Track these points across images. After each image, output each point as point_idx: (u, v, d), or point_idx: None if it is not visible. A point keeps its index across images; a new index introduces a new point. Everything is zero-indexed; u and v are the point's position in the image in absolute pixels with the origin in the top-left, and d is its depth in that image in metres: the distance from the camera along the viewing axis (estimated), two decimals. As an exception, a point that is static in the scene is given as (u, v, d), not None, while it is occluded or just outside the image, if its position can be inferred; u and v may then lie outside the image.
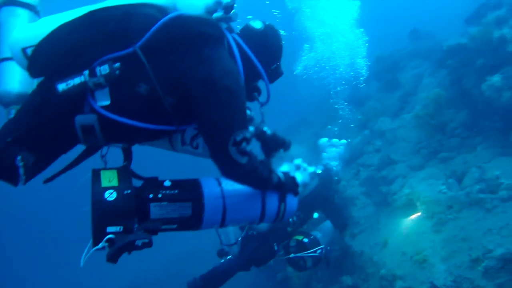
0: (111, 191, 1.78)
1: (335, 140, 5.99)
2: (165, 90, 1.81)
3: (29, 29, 1.95)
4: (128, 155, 2.07)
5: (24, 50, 1.91)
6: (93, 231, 1.72)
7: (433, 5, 20.10)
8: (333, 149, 5.63)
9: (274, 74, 2.27)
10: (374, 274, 5.27)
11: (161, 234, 1.91)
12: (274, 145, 2.36)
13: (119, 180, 1.84)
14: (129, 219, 1.77)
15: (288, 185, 2.21)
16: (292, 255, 5.14)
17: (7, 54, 2.07)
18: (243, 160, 1.88)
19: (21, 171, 1.77)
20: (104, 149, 2.07)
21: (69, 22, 1.86)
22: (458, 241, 4.55)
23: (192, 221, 1.96)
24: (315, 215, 5.93)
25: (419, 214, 5.43)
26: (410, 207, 5.78)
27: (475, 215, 4.72)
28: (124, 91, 1.82)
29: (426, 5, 20.98)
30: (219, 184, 2.08)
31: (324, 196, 5.74)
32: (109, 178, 1.84)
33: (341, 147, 5.81)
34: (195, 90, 1.81)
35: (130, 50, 1.80)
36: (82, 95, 1.79)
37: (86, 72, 1.78)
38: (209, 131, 1.86)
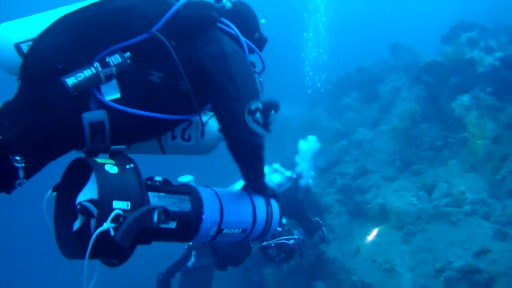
0: (110, 166, 1.56)
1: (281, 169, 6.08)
2: (181, 74, 1.76)
3: (21, 23, 1.74)
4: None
5: (18, 45, 1.68)
6: (98, 209, 1.45)
7: (415, 20, 20.66)
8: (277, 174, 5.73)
9: (259, 43, 2.32)
10: (346, 280, 5.49)
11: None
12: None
13: (114, 159, 1.63)
14: (136, 195, 1.52)
15: (269, 189, 2.22)
16: (265, 243, 5.26)
17: None
18: (258, 129, 1.86)
19: (21, 173, 1.60)
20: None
21: (73, 13, 1.73)
22: (425, 252, 4.83)
23: (193, 218, 1.76)
24: (283, 220, 6.08)
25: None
26: (382, 216, 6.06)
27: (441, 228, 5.00)
28: (135, 82, 1.75)
29: (408, 20, 21.54)
30: (206, 186, 2.00)
31: (296, 200, 5.88)
32: (102, 159, 1.63)
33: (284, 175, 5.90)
34: (210, 66, 1.83)
35: (145, 35, 1.73)
36: (88, 90, 1.67)
37: (97, 64, 1.66)
38: (225, 102, 1.86)
